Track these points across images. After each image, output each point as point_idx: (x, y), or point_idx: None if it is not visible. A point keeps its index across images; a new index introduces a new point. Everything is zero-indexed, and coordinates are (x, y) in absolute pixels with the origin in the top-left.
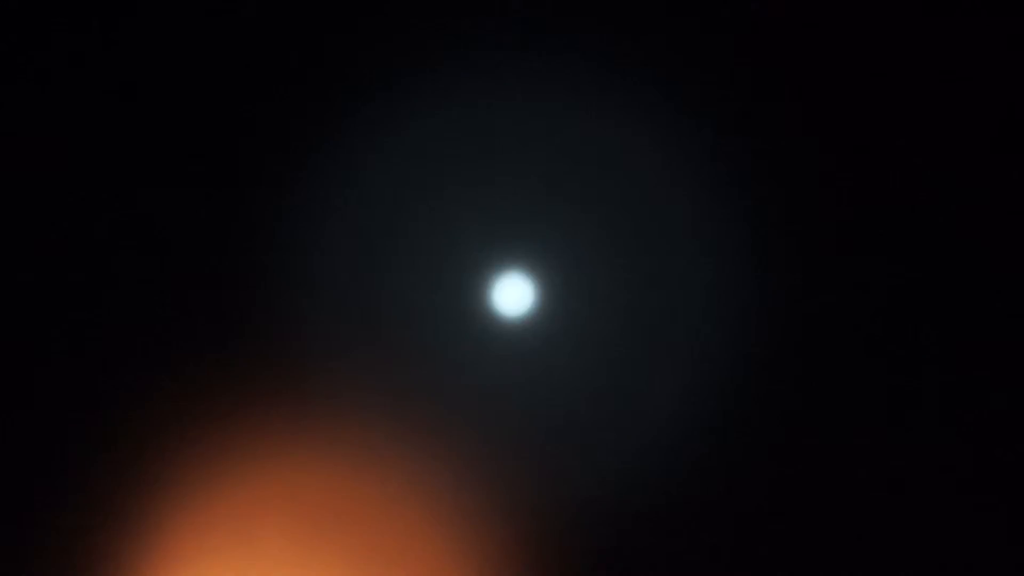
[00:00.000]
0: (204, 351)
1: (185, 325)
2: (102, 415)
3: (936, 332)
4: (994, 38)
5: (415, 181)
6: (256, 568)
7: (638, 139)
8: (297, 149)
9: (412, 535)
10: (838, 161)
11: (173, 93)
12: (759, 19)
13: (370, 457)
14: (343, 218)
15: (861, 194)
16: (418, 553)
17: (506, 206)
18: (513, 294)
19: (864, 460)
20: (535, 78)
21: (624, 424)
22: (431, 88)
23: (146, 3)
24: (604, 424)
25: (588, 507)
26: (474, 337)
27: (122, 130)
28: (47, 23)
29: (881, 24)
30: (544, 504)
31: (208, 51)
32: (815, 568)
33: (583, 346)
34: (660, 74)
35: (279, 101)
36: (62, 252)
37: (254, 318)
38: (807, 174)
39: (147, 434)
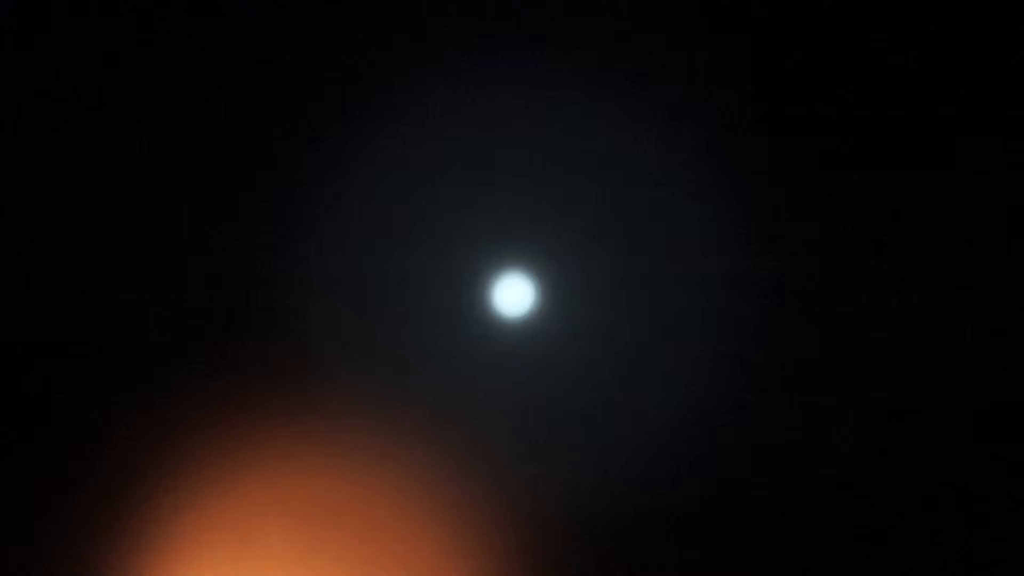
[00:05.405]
0: (205, 352)
1: (186, 326)
2: (103, 416)
3: (938, 332)
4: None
5: (415, 182)
6: (258, 568)
7: (639, 139)
8: (297, 150)
9: (412, 535)
10: (840, 161)
11: (175, 92)
12: (760, 20)
13: (371, 457)
14: (343, 219)
15: (863, 194)
16: (418, 553)
17: (506, 206)
18: (513, 294)
19: (865, 461)
20: (535, 79)
21: (624, 424)
22: (432, 89)
23: (147, 2)
24: (604, 424)
25: (588, 507)
26: (474, 337)
27: (123, 130)
28: (49, 23)
29: (881, 24)
30: (544, 504)
31: (211, 51)
32: (815, 569)
33: (583, 346)
34: (661, 75)
35: (279, 102)
36: (63, 253)
37: (254, 319)
38: (808, 174)
39: (148, 435)
